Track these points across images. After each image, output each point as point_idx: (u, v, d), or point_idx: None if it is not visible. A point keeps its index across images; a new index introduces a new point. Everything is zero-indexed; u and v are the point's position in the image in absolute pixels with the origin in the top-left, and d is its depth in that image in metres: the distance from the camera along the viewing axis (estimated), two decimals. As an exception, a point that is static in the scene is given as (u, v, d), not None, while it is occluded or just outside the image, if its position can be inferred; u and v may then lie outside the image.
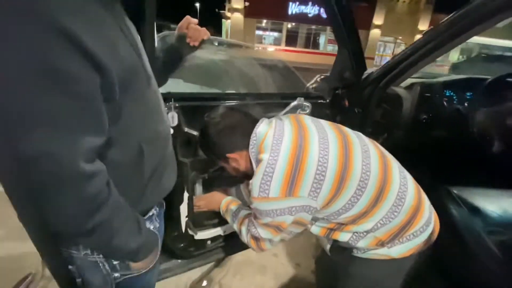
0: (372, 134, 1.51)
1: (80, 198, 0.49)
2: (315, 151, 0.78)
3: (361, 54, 1.35)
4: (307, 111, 1.34)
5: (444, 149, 1.30)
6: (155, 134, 0.68)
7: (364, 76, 1.47)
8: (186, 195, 1.13)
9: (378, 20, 19.18)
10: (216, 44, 2.66)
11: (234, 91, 1.55)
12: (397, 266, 0.90)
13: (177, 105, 1.00)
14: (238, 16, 19.58)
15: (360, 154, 0.82)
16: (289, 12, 19.17)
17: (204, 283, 1.68)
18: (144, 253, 0.67)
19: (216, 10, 26.73)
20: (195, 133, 1.05)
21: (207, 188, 1.29)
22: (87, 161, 0.48)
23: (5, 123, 0.42)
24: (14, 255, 1.60)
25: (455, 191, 1.21)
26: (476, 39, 18.57)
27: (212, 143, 0.89)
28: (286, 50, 20.46)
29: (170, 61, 0.94)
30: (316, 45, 21.23)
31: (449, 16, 1.10)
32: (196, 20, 0.91)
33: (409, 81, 1.41)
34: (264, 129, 0.86)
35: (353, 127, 1.01)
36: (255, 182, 0.77)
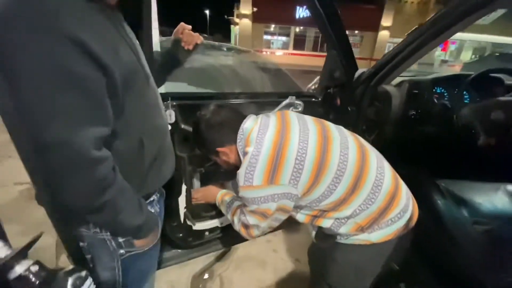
0: (366, 131, 1.57)
1: (90, 179, 0.58)
2: (295, 143, 0.85)
3: (351, 54, 1.41)
4: (300, 109, 1.40)
5: (432, 144, 1.35)
6: (154, 127, 0.77)
7: (356, 76, 1.53)
8: (184, 187, 1.21)
9: (386, 21, 19.05)
10: (224, 49, 2.76)
11: (229, 91, 1.63)
12: (377, 250, 0.95)
13: (174, 103, 1.09)
14: (246, 22, 19.83)
15: (338, 145, 0.88)
16: (297, 16, 19.29)
17: (206, 276, 1.75)
18: (145, 231, 0.76)
19: (225, 16, 27.17)
20: (191, 129, 1.13)
21: (205, 182, 1.37)
22: (96, 148, 0.57)
23: (29, 116, 0.52)
24: (31, 249, 1.73)
25: (442, 184, 1.25)
26: (489, 38, 18.20)
27: (204, 138, 0.97)
28: (294, 54, 20.54)
29: (167, 64, 1.04)
30: (324, 48, 21.24)
31: (432, 15, 1.16)
32: (190, 26, 1.00)
33: (398, 79, 1.47)
34: (250, 124, 0.93)
35: (347, 125, 1.07)
36: (241, 172, 0.85)
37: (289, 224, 2.08)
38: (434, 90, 1.41)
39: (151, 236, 0.79)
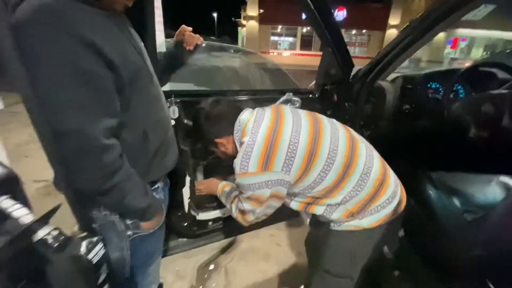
0: (363, 127, 1.62)
1: (100, 164, 0.66)
2: (288, 132, 0.91)
3: (346, 52, 1.47)
4: (297, 105, 1.47)
5: (425, 137, 1.39)
6: (157, 120, 0.85)
7: (353, 73, 1.58)
8: (188, 179, 1.29)
9: (394, 20, 18.85)
10: (232, 51, 2.86)
11: (227, 89, 1.71)
12: (369, 235, 1.00)
13: (177, 100, 1.18)
14: (253, 24, 19.96)
15: (329, 135, 0.94)
16: (303, 17, 19.27)
17: (211, 267, 1.83)
18: (150, 214, 0.84)
19: (232, 19, 27.42)
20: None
21: (207, 176, 1.45)
22: (105, 137, 0.65)
23: (47, 107, 0.60)
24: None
25: (435, 176, 1.29)
26: (501, 35, 17.78)
27: (203, 130, 1.04)
28: (301, 54, 20.54)
29: (170, 63, 1.13)
30: (331, 48, 21.12)
31: (421, 13, 1.21)
32: (190, 28, 1.09)
33: (393, 75, 1.52)
34: (246, 116, 1.00)
35: (344, 120, 1.12)
36: (237, 161, 0.91)
37: (292, 220, 2.15)
38: (426, 85, 1.45)
39: (155, 219, 0.88)
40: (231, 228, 1.58)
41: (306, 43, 20.98)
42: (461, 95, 1.40)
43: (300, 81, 2.07)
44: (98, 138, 0.64)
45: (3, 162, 0.47)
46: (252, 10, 19.46)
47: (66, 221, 0.63)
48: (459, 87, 1.40)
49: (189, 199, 1.37)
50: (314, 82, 1.96)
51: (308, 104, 1.52)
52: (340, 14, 18.87)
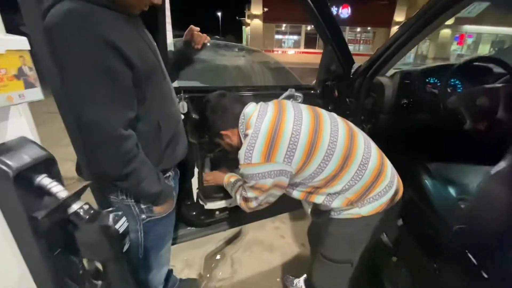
0: (364, 120, 1.68)
1: (119, 152, 0.74)
2: (290, 125, 0.97)
3: (346, 49, 1.53)
4: (299, 101, 1.53)
5: (422, 130, 1.44)
6: (169, 113, 0.93)
7: (353, 69, 1.64)
8: (196, 170, 1.37)
9: (399, 17, 18.71)
10: (236, 49, 2.93)
11: (233, 85, 1.78)
12: (367, 222, 1.06)
13: (186, 96, 1.25)
14: (258, 22, 20.00)
15: (329, 128, 1.00)
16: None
17: (218, 256, 1.91)
18: (162, 199, 0.91)
19: (237, 17, 27.46)
20: None
21: (215, 167, 1.52)
22: (124, 128, 0.73)
23: (74, 100, 0.68)
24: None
25: (432, 166, 1.35)
26: (509, 31, 17.52)
27: (209, 122, 1.10)
28: (305, 52, 20.52)
29: (179, 61, 1.20)
30: (336, 45, 21.03)
31: (419, 10, 1.26)
32: (198, 28, 1.16)
33: (392, 70, 1.57)
34: (251, 110, 1.06)
35: (346, 115, 1.17)
36: (241, 152, 0.97)
37: (295, 211, 2.22)
38: (424, 79, 1.50)
39: (167, 204, 0.95)
40: (237, 217, 1.65)
41: (310, 41, 20.93)
42: (458, 90, 1.45)
43: (305, 79, 2.12)
44: (118, 128, 0.72)
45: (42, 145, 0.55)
46: (256, 8, 19.50)
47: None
48: (457, 81, 1.45)
49: (198, 190, 1.45)
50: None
51: (310, 99, 1.58)
52: (344, 12, 18.84)
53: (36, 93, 0.49)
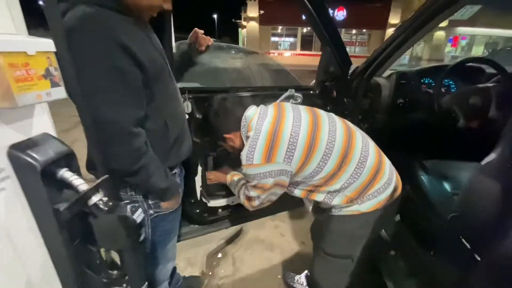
0: (362, 120, 1.73)
1: (130, 149, 0.78)
2: (289, 127, 1.00)
3: (344, 50, 1.58)
4: (299, 101, 1.57)
5: (418, 128, 1.49)
6: (175, 113, 0.97)
7: (351, 70, 1.69)
8: (200, 169, 1.41)
9: (394, 19, 18.93)
10: (234, 51, 2.98)
11: (236, 86, 1.82)
12: (366, 218, 1.09)
13: (190, 96, 1.29)
14: (254, 25, 20.10)
15: (327, 128, 1.04)
16: (303, 17, 19.35)
17: (220, 255, 1.94)
18: (170, 194, 0.95)
19: (233, 20, 27.59)
20: None
21: (218, 167, 1.56)
22: (134, 126, 0.77)
23: (89, 99, 0.70)
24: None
25: (428, 164, 1.40)
26: (501, 32, 17.81)
27: (212, 127, 1.15)
28: (302, 55, 20.65)
29: (184, 62, 1.24)
30: (332, 47, 21.19)
31: (414, 12, 1.32)
32: (202, 31, 1.20)
33: (389, 71, 1.62)
34: (251, 113, 1.09)
35: (344, 115, 1.22)
36: (243, 154, 1.01)
37: (295, 211, 2.26)
38: (419, 80, 1.56)
39: (174, 200, 0.99)
40: (238, 216, 1.69)
41: (306, 43, 21.10)
42: (452, 89, 1.50)
43: (302, 81, 2.17)
44: (128, 127, 0.76)
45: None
46: (252, 11, 19.61)
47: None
48: (451, 81, 1.51)
49: (201, 188, 1.48)
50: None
51: (309, 100, 1.63)
52: (340, 14, 19.02)
53: (61, 92, 0.52)
